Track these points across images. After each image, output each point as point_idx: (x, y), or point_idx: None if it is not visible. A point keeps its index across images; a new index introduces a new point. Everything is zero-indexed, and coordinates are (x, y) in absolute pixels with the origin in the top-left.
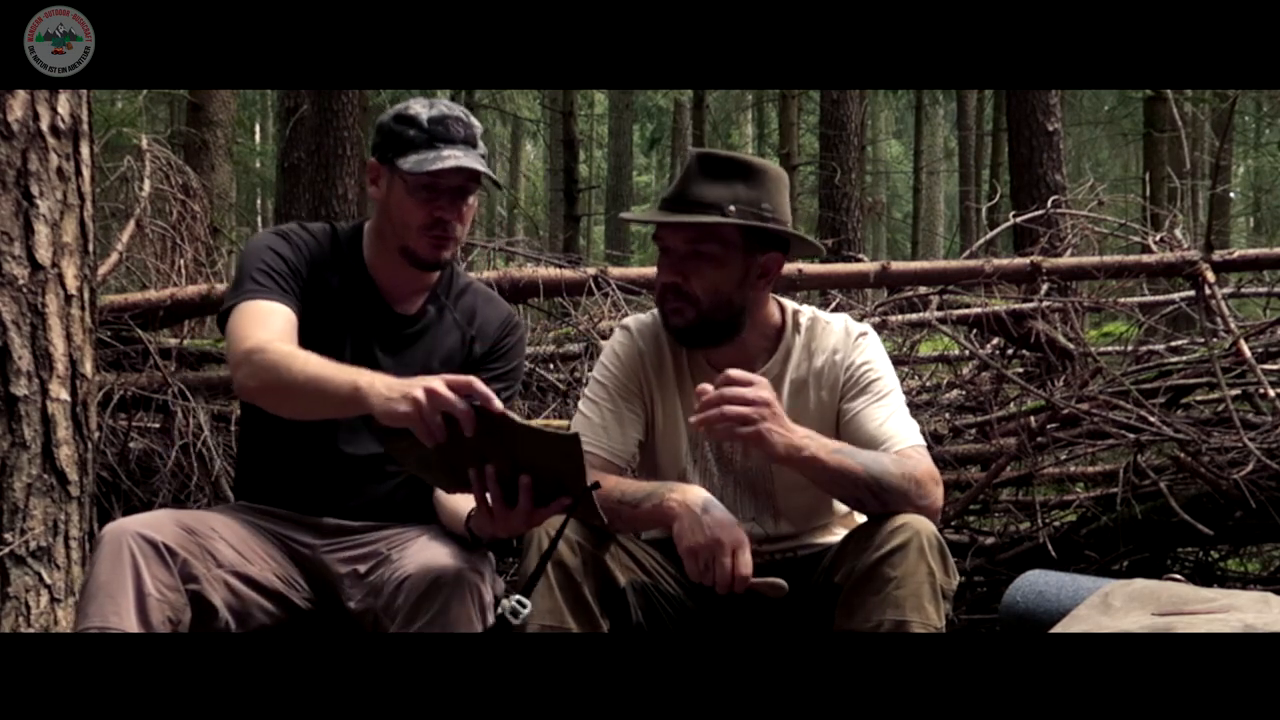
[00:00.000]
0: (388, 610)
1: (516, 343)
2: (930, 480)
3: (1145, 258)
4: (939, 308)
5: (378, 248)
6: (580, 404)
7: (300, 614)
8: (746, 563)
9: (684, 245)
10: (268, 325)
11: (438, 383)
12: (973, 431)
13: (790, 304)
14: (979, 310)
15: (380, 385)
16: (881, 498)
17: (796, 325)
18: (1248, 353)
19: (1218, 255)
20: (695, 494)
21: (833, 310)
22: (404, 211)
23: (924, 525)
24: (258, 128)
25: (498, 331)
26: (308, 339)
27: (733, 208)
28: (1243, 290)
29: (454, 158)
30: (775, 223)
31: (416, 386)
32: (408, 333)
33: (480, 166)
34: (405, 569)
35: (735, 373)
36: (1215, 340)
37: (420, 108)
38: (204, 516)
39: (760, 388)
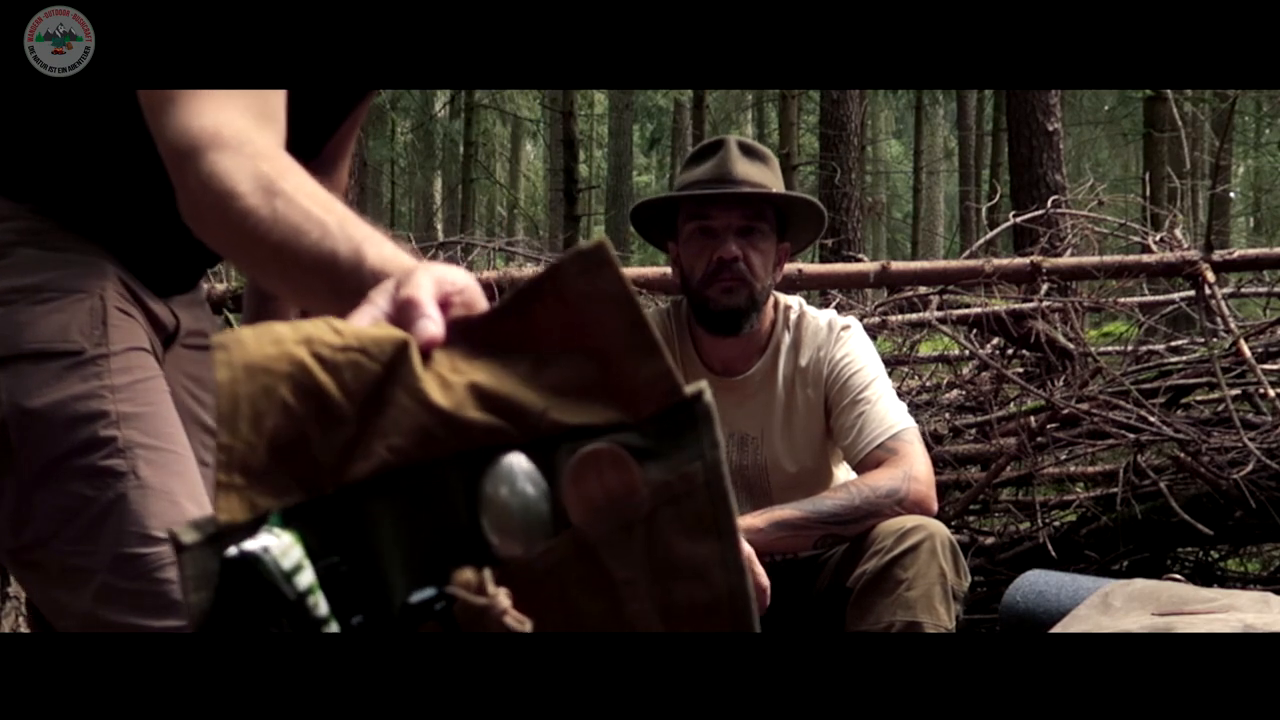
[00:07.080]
0: None
1: None
2: (900, 478)
3: (1145, 258)
4: (939, 308)
5: None
6: None
7: None
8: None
9: (740, 221)
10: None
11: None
12: (973, 431)
13: (782, 299)
14: (979, 310)
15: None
16: (854, 525)
17: (787, 322)
18: (1248, 353)
19: (1218, 255)
20: None
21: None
22: None
23: (937, 527)
24: None
25: None
26: None
27: (775, 189)
28: (1243, 290)
29: None
30: None
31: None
32: None
33: None
34: None
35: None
36: (1215, 340)
37: None
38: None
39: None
